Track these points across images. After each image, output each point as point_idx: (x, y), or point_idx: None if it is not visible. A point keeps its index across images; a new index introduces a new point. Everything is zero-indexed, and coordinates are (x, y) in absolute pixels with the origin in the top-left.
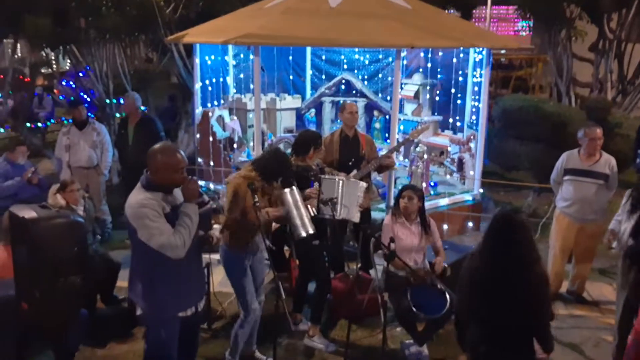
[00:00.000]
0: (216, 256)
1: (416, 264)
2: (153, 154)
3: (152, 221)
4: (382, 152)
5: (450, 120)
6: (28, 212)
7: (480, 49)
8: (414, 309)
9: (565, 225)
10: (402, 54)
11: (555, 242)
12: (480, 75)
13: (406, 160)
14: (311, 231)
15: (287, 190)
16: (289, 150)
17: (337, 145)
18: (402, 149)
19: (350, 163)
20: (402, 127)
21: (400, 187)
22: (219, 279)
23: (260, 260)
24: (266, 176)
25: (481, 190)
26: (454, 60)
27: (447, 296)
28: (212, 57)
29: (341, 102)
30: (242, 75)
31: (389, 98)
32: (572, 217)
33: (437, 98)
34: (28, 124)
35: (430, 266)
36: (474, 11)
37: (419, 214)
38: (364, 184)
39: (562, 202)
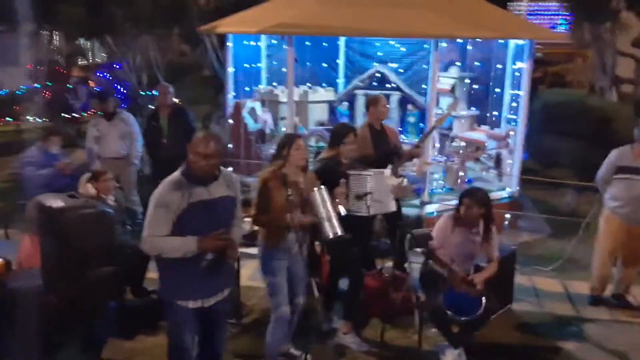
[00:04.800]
0: (248, 250)
1: (459, 269)
2: (192, 141)
3: (154, 208)
4: None
5: (488, 114)
6: (55, 202)
7: (522, 41)
8: (445, 309)
9: (615, 226)
10: (443, 45)
11: (603, 244)
12: (520, 70)
13: (441, 156)
14: (339, 232)
15: (315, 189)
16: (321, 143)
17: (370, 141)
18: (438, 143)
19: (384, 156)
20: None
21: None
22: (249, 273)
23: (298, 261)
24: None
25: (519, 188)
26: (493, 52)
27: (483, 298)
28: (245, 45)
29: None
30: (274, 65)
31: (423, 92)
32: (623, 218)
33: (474, 92)
34: (63, 115)
35: (476, 270)
36: (509, 4)
37: (483, 221)
38: (388, 171)
39: (613, 202)
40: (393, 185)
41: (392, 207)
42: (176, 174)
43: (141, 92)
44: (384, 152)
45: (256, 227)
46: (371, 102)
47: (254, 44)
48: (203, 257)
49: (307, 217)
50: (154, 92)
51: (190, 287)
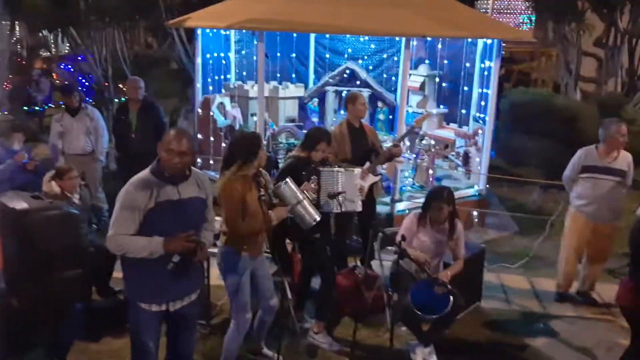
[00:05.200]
0: (217, 249)
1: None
2: (163, 138)
3: (121, 206)
4: (387, 144)
5: (457, 112)
6: (19, 203)
7: (490, 40)
8: (413, 308)
9: (580, 224)
10: (413, 43)
11: (569, 241)
12: (488, 68)
13: (411, 153)
14: (318, 217)
15: (281, 184)
16: (291, 140)
17: (348, 138)
18: (408, 141)
19: (361, 155)
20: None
21: (418, 186)
22: (218, 272)
23: (263, 260)
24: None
25: (487, 186)
26: (462, 50)
27: (450, 296)
28: (215, 35)
29: (345, 92)
30: (244, 59)
31: (393, 89)
32: (588, 216)
33: (442, 90)
34: (25, 108)
35: (444, 267)
36: (475, 2)
37: (449, 219)
38: (358, 170)
39: (578, 200)
40: (366, 185)
41: (359, 206)
42: (145, 172)
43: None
44: (362, 150)
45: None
46: (349, 100)
47: (224, 33)
48: (170, 258)
49: (283, 210)
50: (119, 85)
51: (154, 290)
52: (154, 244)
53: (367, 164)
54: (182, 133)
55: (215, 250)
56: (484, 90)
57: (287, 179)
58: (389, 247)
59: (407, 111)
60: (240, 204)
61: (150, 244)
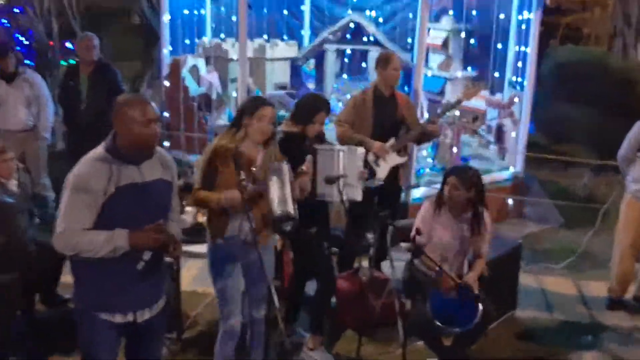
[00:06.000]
0: (191, 247)
1: (450, 270)
2: (119, 107)
3: (72, 193)
4: None
5: (488, 76)
6: None
7: None
8: (432, 318)
9: (637, 214)
10: None
11: (623, 235)
12: (527, 21)
13: None
14: (290, 211)
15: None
16: (282, 112)
17: (371, 108)
18: (426, 112)
19: (386, 129)
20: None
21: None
22: (192, 275)
23: (255, 259)
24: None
25: (524, 167)
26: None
27: (479, 304)
28: None
29: (349, 51)
30: (222, 13)
31: (408, 47)
32: None
33: (470, 48)
34: None
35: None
36: None
37: (471, 207)
38: (362, 150)
39: (636, 184)
40: (387, 167)
41: (359, 195)
42: (99, 150)
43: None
44: (387, 125)
45: (200, 219)
46: (379, 62)
47: None
48: (137, 255)
49: (258, 187)
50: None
51: (118, 296)
52: (117, 239)
53: (392, 140)
54: (140, 96)
55: (189, 248)
56: (522, 49)
57: (284, 163)
58: (402, 244)
59: (426, 75)
60: (211, 170)
61: (112, 239)
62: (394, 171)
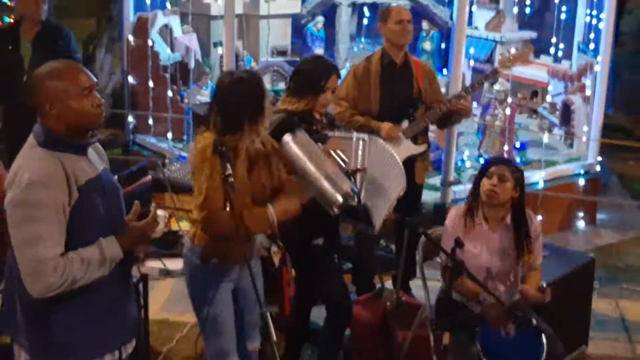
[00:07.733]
0: (159, 264)
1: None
2: (40, 82)
3: (32, 217)
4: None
5: (551, 40)
6: None
7: None
8: (482, 356)
9: None
10: None
11: None
12: None
13: (477, 106)
14: (349, 189)
15: (287, 139)
16: (280, 85)
17: (377, 79)
18: (467, 84)
19: (397, 108)
20: (471, 50)
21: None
22: (164, 297)
23: (248, 281)
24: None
25: (599, 158)
26: None
27: (544, 339)
28: None
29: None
30: None
31: (447, 0)
32: None
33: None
34: None
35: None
36: None
37: (512, 209)
38: (382, 142)
39: None
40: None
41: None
42: (36, 149)
43: None
44: (399, 100)
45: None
46: (381, 18)
47: None
48: (126, 266)
49: (292, 203)
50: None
51: (97, 336)
52: (107, 249)
53: (405, 123)
54: (68, 62)
55: (155, 264)
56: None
57: (296, 132)
58: (437, 259)
59: (470, 36)
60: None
61: (102, 251)
62: (409, 164)
